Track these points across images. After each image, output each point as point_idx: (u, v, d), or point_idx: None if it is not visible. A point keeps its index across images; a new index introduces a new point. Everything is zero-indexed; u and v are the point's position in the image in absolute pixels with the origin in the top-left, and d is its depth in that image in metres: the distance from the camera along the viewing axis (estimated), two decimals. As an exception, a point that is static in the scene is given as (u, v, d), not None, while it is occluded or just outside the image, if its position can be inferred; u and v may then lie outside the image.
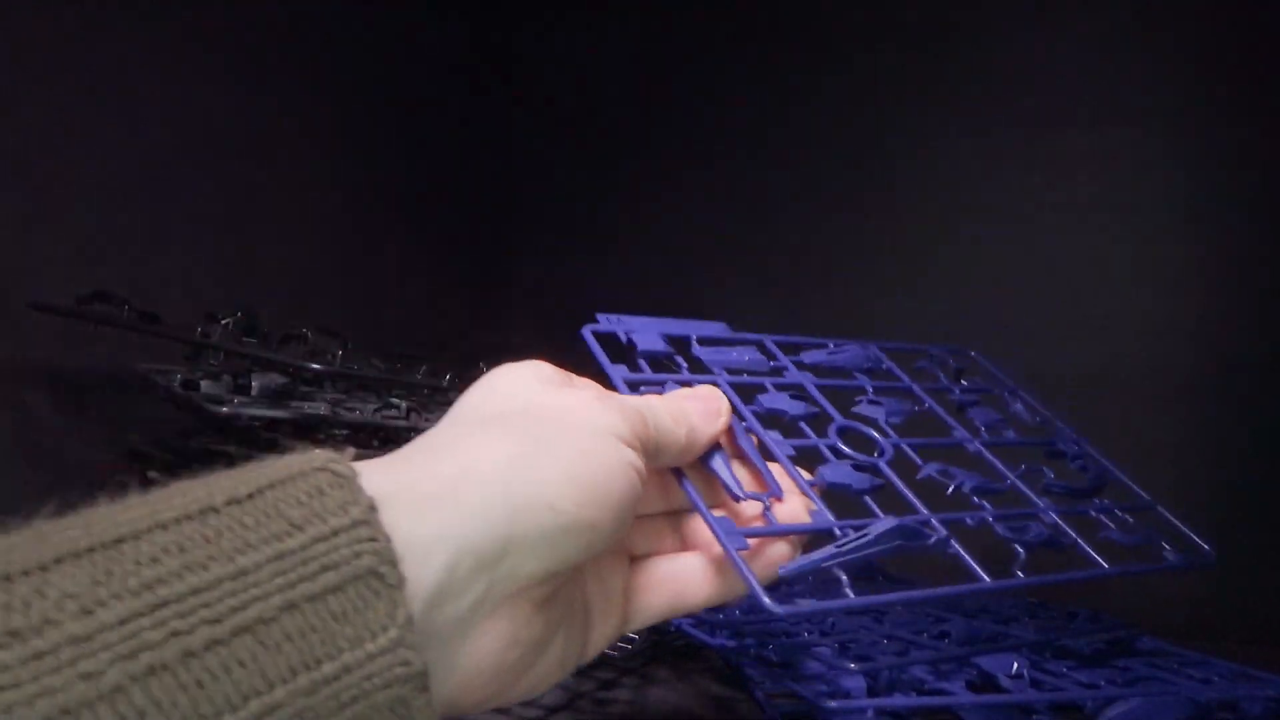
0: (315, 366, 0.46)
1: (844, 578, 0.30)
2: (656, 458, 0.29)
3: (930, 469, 0.39)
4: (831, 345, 0.47)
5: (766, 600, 0.27)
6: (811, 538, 0.32)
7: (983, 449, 0.43)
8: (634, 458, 0.27)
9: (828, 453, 0.37)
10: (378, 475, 0.23)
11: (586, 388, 0.30)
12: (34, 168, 0.52)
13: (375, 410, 0.50)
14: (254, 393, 0.49)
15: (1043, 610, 0.57)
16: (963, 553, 0.34)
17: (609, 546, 0.27)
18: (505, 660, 0.25)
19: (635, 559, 0.31)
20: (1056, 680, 0.43)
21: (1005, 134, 0.77)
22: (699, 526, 0.31)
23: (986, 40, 0.79)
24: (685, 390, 0.34)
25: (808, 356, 0.46)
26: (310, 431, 0.50)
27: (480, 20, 0.99)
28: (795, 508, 0.33)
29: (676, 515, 0.32)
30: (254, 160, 0.68)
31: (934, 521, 0.35)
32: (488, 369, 0.30)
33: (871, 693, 0.39)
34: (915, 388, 0.46)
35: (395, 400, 0.51)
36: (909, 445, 0.40)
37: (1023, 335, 0.75)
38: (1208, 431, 0.70)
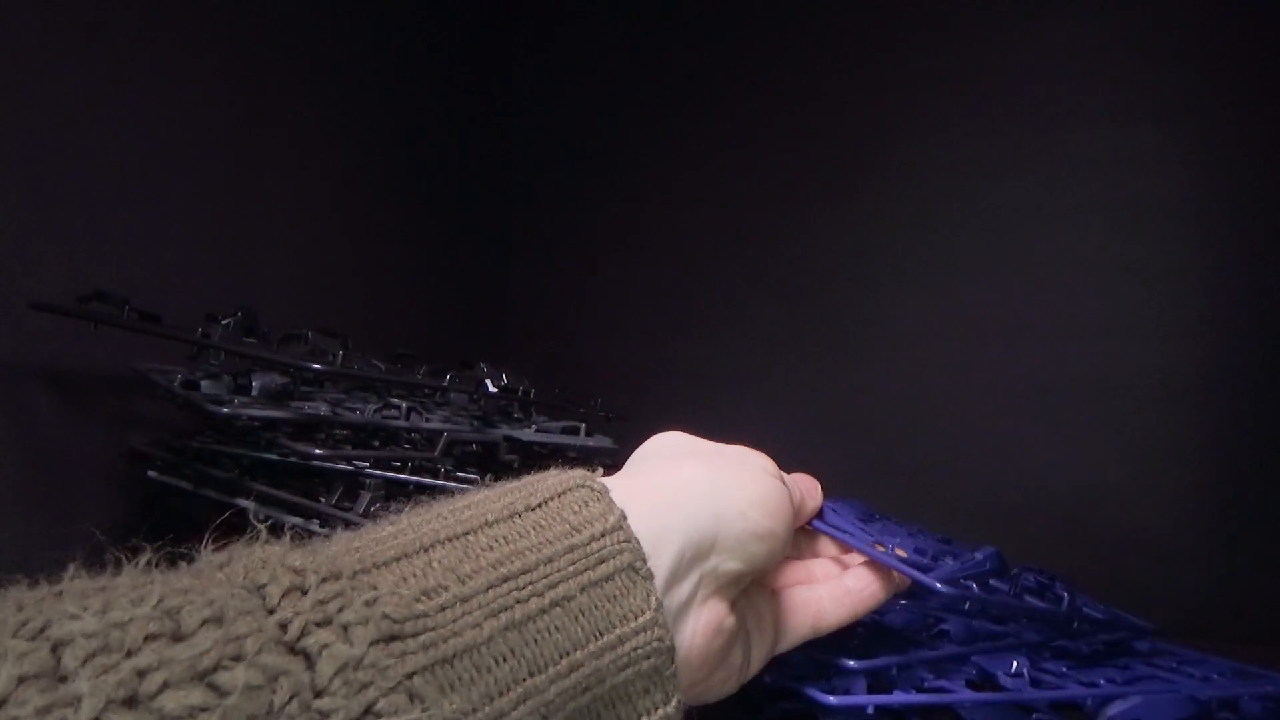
0: (316, 366, 0.46)
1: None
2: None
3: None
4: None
5: (935, 584, 0.37)
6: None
7: None
8: (787, 492, 0.34)
9: None
10: (621, 484, 0.30)
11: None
12: (34, 167, 0.52)
13: (375, 410, 0.50)
14: (254, 392, 0.49)
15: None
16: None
17: (776, 561, 0.33)
18: (711, 647, 0.30)
19: (775, 590, 0.37)
20: (1056, 679, 0.43)
21: (1006, 133, 0.78)
22: (824, 565, 0.40)
23: (987, 39, 0.79)
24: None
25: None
26: (310, 431, 0.50)
27: (478, 24, 0.99)
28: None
29: (802, 561, 0.40)
30: (253, 161, 0.68)
31: None
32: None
33: (871, 689, 0.39)
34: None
35: (395, 400, 0.51)
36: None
37: (1023, 335, 0.76)
38: (1209, 431, 0.70)
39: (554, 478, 0.29)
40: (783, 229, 0.87)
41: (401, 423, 0.48)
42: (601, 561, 0.26)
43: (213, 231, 0.65)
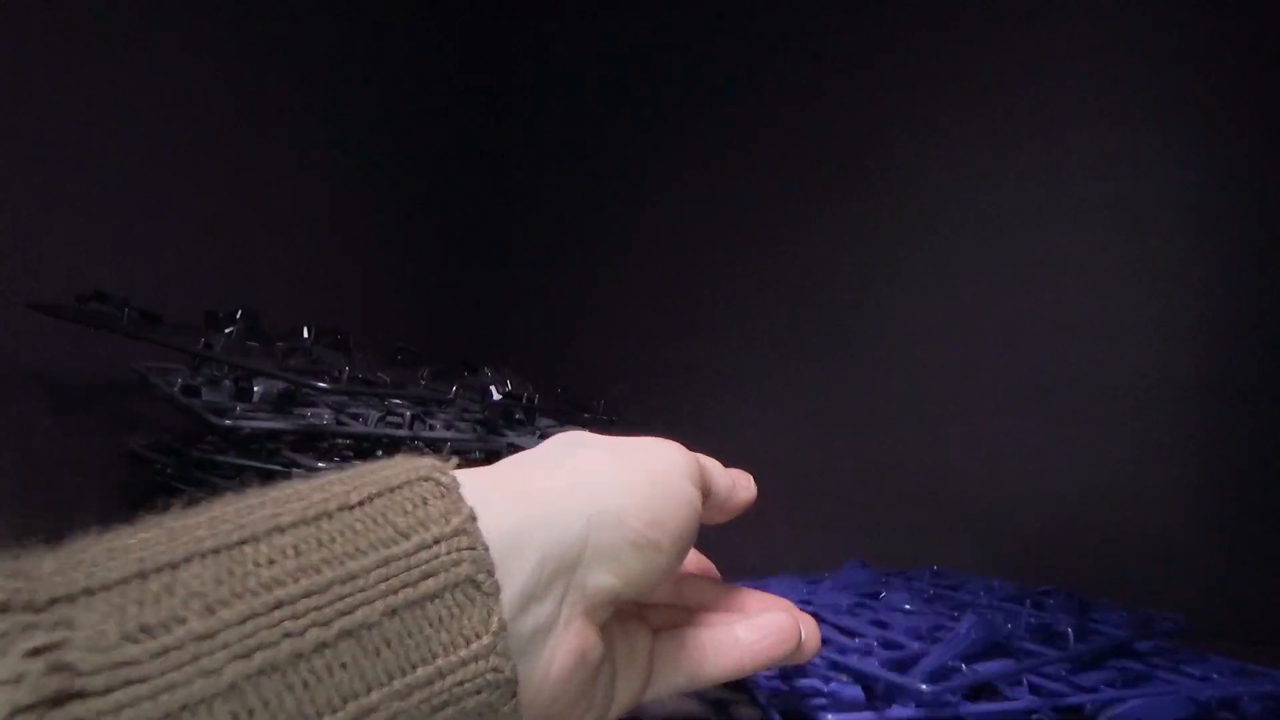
0: (321, 385, 0.46)
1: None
2: (707, 505, 0.31)
3: None
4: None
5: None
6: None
7: None
8: (695, 497, 0.29)
9: None
10: (481, 479, 0.25)
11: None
12: (35, 168, 0.51)
13: (379, 419, 0.50)
14: (255, 399, 0.48)
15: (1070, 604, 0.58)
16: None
17: (662, 581, 0.28)
18: (572, 679, 0.25)
19: (654, 629, 0.32)
20: (1055, 685, 0.43)
21: (1006, 134, 0.77)
22: (712, 616, 0.33)
23: (987, 41, 0.79)
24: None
25: None
26: (313, 441, 0.50)
27: (479, 24, 0.98)
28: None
29: (687, 609, 0.34)
30: (253, 162, 0.68)
31: None
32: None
33: (869, 702, 0.39)
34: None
35: (398, 407, 0.51)
36: None
37: (1023, 336, 0.76)
38: (1209, 432, 0.70)
39: (394, 467, 0.24)
40: (783, 230, 0.87)
41: (405, 433, 0.48)
42: (428, 576, 0.21)
43: (213, 231, 0.65)
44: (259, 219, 0.69)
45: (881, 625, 0.50)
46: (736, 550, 0.66)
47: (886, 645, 0.46)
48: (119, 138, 0.57)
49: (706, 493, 0.31)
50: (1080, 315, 0.74)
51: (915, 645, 0.44)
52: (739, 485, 0.34)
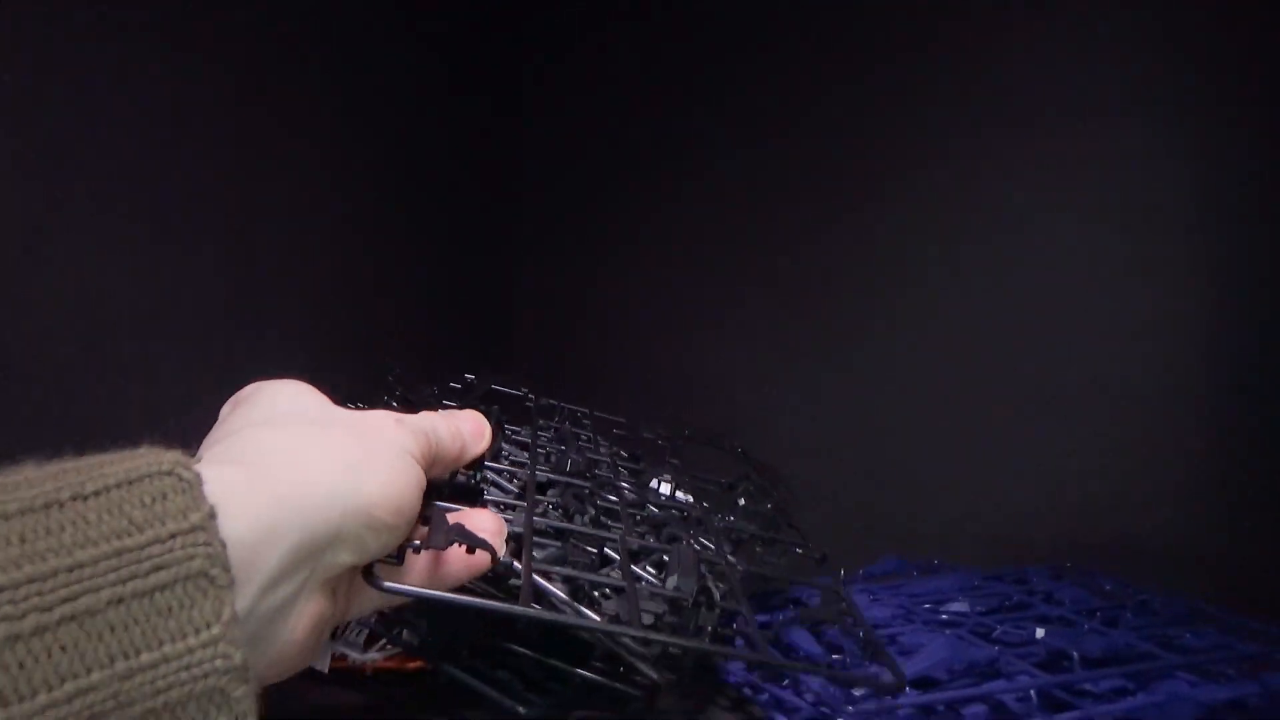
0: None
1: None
2: (432, 469, 0.34)
3: None
4: None
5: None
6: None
7: None
8: (421, 476, 0.31)
9: None
10: (225, 476, 0.25)
11: (375, 411, 0.33)
12: (37, 169, 0.51)
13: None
14: None
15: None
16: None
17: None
18: (309, 641, 0.28)
19: None
20: (1066, 696, 0.43)
21: (1008, 133, 0.77)
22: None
23: (987, 41, 0.78)
24: (457, 412, 0.38)
25: None
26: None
27: (487, 28, 0.99)
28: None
29: None
30: (258, 166, 0.68)
31: None
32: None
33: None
34: None
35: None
36: None
37: (1024, 335, 0.75)
38: (1211, 431, 0.69)
39: (134, 459, 0.24)
40: (791, 232, 0.87)
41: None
42: (160, 569, 0.22)
43: (218, 231, 0.64)
44: (264, 220, 0.69)
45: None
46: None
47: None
48: (127, 140, 0.57)
49: (432, 458, 0.33)
50: (1082, 315, 0.73)
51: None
52: (471, 437, 0.37)
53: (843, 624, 0.46)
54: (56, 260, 0.53)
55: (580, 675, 0.45)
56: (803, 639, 0.49)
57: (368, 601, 0.33)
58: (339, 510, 0.27)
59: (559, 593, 0.39)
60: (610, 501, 0.47)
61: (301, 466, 0.27)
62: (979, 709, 0.42)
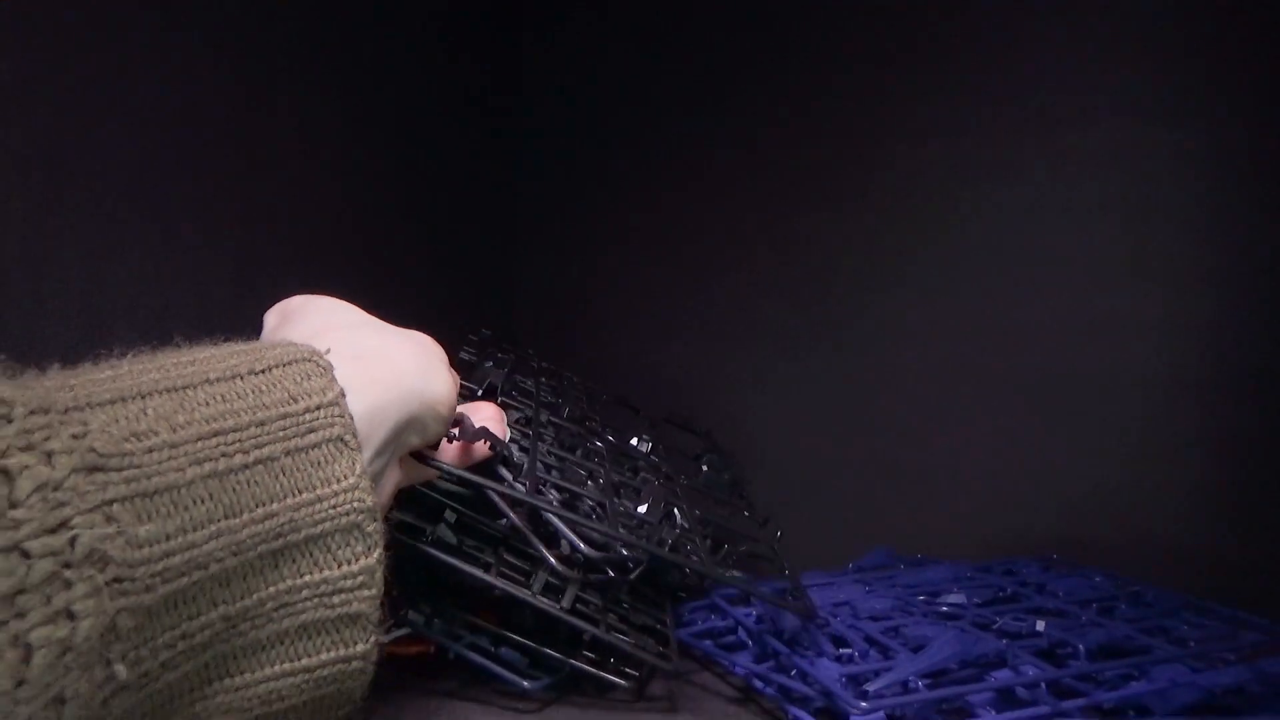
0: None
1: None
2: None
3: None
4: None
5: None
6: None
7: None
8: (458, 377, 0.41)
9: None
10: (345, 367, 0.33)
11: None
12: (40, 166, 0.51)
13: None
14: None
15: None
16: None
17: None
18: (390, 499, 0.36)
19: None
20: (1074, 682, 0.44)
21: (1011, 131, 0.77)
22: None
23: (991, 37, 0.78)
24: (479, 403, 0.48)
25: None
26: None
27: (486, 21, 0.98)
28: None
29: None
30: (258, 158, 0.67)
31: None
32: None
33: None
34: None
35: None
36: None
37: (1028, 333, 0.76)
38: (1215, 430, 0.70)
39: (282, 348, 0.32)
40: (789, 226, 0.87)
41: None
42: (311, 431, 0.30)
43: (216, 220, 0.64)
44: (263, 208, 0.68)
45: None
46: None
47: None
48: (127, 132, 0.56)
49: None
50: (1085, 313, 0.74)
51: (902, 655, 0.45)
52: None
53: (778, 563, 0.53)
54: (57, 257, 0.52)
55: (572, 664, 0.46)
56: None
57: (404, 480, 0.40)
58: (418, 401, 0.35)
59: (553, 502, 0.47)
60: (596, 446, 0.58)
61: (395, 364, 0.35)
62: (988, 698, 0.43)
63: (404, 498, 0.48)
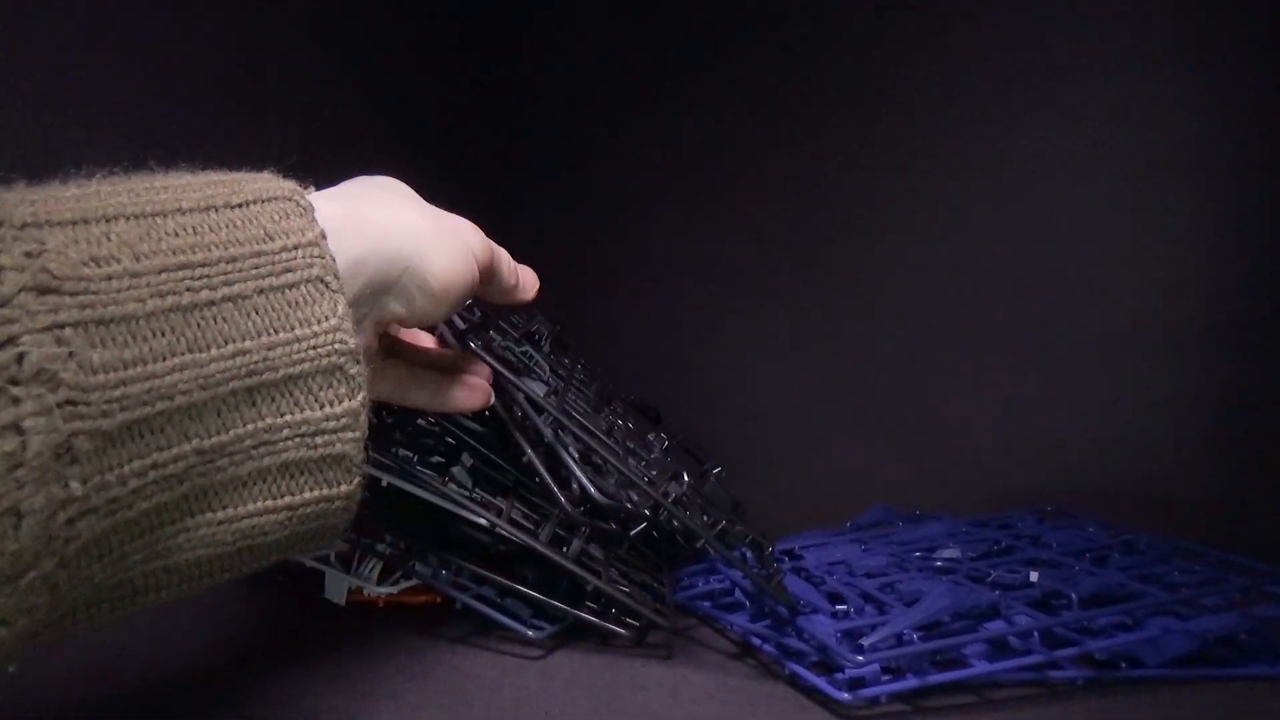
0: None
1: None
2: (486, 282, 0.40)
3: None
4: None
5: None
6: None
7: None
8: (477, 275, 0.38)
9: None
10: (330, 210, 0.31)
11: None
12: (42, 164, 0.51)
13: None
14: None
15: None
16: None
17: (428, 323, 0.38)
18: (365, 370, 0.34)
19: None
20: (1067, 633, 0.45)
21: (1013, 83, 0.77)
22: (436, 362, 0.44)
23: None
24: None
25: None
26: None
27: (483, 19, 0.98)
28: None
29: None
30: (254, 134, 0.68)
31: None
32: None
33: (885, 672, 0.41)
34: None
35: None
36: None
37: (1032, 286, 0.76)
38: (1214, 382, 0.70)
39: (263, 182, 0.30)
40: (792, 183, 0.87)
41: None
42: (288, 270, 0.28)
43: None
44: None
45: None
46: (751, 503, 0.69)
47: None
48: (127, 131, 0.57)
49: (489, 277, 0.40)
50: (1087, 265, 0.74)
51: (896, 609, 0.46)
52: (524, 284, 0.44)
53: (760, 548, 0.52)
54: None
55: (575, 614, 0.47)
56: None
57: (383, 383, 0.40)
58: (404, 265, 0.33)
59: (571, 455, 0.47)
60: (617, 423, 0.59)
61: (389, 222, 0.33)
62: (981, 649, 0.44)
63: (419, 436, 0.50)
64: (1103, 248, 0.74)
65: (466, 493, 0.47)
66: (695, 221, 0.92)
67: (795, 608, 0.46)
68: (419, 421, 0.51)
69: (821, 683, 0.40)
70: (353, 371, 0.29)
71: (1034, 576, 0.51)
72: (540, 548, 0.46)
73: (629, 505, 0.46)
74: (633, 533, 0.51)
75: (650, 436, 0.67)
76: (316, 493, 0.30)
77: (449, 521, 0.47)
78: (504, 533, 0.46)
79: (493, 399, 0.45)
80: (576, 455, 0.46)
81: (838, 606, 0.48)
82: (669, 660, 0.46)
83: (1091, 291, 0.74)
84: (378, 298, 0.34)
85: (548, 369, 0.57)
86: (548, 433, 0.46)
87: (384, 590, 0.49)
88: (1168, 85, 0.71)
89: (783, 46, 0.87)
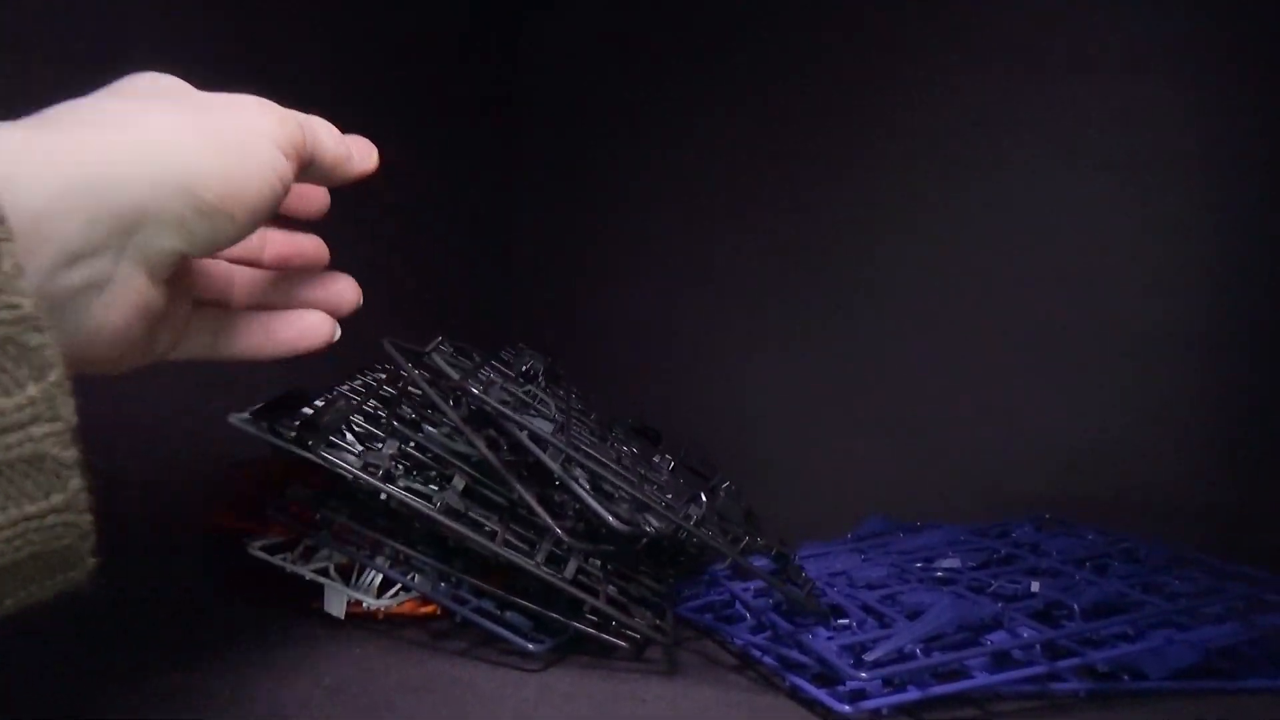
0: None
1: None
2: (312, 171, 0.33)
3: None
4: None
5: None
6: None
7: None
8: (282, 165, 0.30)
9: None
10: (17, 140, 0.24)
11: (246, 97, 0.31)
12: None
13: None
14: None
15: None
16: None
17: (233, 243, 0.29)
18: (132, 328, 0.27)
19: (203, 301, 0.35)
20: (1071, 644, 0.44)
21: (1013, 86, 0.77)
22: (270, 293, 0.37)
23: None
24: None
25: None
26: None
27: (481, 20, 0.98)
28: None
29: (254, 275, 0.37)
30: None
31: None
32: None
33: (886, 685, 0.41)
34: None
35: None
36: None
37: (1034, 290, 0.76)
38: (1214, 385, 0.70)
39: None
40: (792, 187, 0.87)
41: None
42: None
43: None
44: None
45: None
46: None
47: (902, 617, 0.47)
48: None
49: (306, 159, 0.32)
50: (1087, 267, 0.74)
51: (900, 622, 0.46)
52: (356, 154, 0.35)
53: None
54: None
55: (574, 627, 0.47)
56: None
57: (194, 342, 0.34)
58: (148, 182, 0.26)
59: (582, 485, 0.46)
60: (621, 450, 0.59)
61: (124, 137, 0.26)
62: (983, 660, 0.43)
63: (412, 461, 0.49)
64: (1103, 253, 0.74)
65: (461, 511, 0.47)
66: (696, 224, 0.92)
67: (829, 619, 0.46)
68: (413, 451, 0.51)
69: (823, 695, 0.40)
70: (34, 343, 0.22)
71: (1035, 586, 0.51)
72: (535, 569, 0.46)
73: (649, 529, 0.46)
74: (635, 548, 0.51)
75: (655, 458, 0.67)
76: (18, 510, 0.22)
77: (449, 532, 0.47)
78: (501, 555, 0.46)
79: (337, 332, 0.37)
80: (588, 486, 0.46)
81: (839, 619, 0.48)
82: (669, 673, 0.46)
83: (1092, 297, 0.74)
84: (126, 235, 0.26)
85: (552, 405, 0.57)
86: (556, 468, 0.46)
87: (383, 603, 0.49)
88: (1167, 89, 0.71)
89: (783, 53, 0.87)
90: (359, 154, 0.35)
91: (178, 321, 0.32)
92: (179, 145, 0.26)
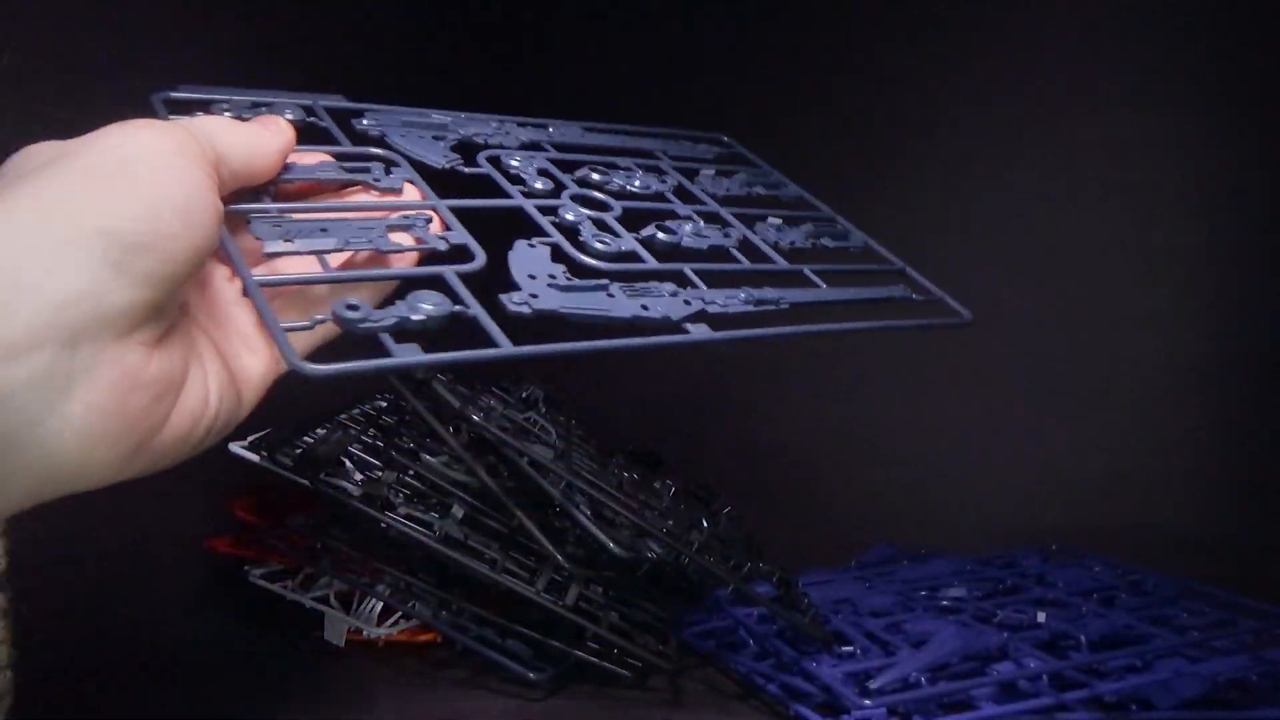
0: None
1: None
2: (234, 176, 0.29)
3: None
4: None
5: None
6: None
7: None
8: (204, 181, 0.26)
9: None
10: None
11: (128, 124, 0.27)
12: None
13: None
14: None
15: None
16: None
17: (202, 260, 0.25)
18: (130, 409, 0.23)
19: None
20: (1076, 674, 0.44)
21: (1012, 120, 0.77)
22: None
23: (997, 24, 0.78)
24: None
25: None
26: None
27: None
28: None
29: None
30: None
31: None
32: None
33: (892, 714, 0.41)
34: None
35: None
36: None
37: (1034, 324, 0.76)
38: (1222, 420, 0.70)
39: None
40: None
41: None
42: None
43: None
44: None
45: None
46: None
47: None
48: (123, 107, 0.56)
49: (217, 160, 0.28)
50: (1092, 303, 0.74)
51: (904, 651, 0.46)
52: (266, 136, 0.31)
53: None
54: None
55: (576, 655, 0.47)
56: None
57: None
58: (84, 249, 0.22)
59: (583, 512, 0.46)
60: (622, 476, 0.58)
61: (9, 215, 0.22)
62: (989, 691, 0.43)
63: (412, 489, 0.49)
64: (1108, 284, 0.74)
65: (461, 539, 0.47)
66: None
67: (831, 644, 0.46)
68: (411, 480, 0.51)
69: (827, 725, 0.40)
70: None
71: (1042, 617, 0.51)
72: (536, 596, 0.46)
73: (650, 555, 0.46)
74: (637, 575, 0.51)
75: (656, 485, 0.67)
76: None
77: (448, 560, 0.47)
78: (502, 582, 0.46)
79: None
80: (589, 513, 0.46)
81: (844, 648, 0.48)
82: (672, 701, 0.46)
83: (1096, 329, 0.74)
84: (63, 318, 0.22)
85: (553, 432, 0.57)
86: (557, 495, 0.46)
87: (383, 631, 0.49)
88: (1170, 124, 0.72)
89: (782, 85, 0.87)
90: (270, 133, 0.32)
91: (211, 366, 0.28)
92: (73, 195, 0.23)
